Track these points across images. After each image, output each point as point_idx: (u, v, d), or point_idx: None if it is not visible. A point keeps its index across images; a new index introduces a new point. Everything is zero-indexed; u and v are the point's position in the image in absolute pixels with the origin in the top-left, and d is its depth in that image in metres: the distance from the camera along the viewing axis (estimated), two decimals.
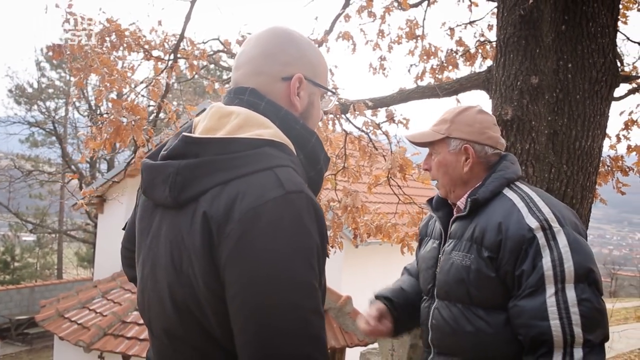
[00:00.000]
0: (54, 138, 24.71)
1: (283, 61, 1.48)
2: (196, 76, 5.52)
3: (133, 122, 3.79)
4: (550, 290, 1.81)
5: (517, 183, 2.08)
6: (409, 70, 5.47)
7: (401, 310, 2.31)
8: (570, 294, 1.79)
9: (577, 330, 1.76)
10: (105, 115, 4.12)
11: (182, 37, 4.78)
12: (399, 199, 5.18)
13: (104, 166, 23.45)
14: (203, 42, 4.92)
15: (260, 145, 1.32)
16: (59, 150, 24.68)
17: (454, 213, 2.18)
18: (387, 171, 4.48)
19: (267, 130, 1.36)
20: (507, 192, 2.03)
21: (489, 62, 6.22)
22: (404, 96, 4.26)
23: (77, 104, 24.24)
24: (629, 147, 4.99)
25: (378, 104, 4.31)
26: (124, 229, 1.84)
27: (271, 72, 1.48)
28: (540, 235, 1.85)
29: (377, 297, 2.34)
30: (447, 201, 2.25)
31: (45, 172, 24.57)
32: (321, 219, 1.31)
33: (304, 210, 1.26)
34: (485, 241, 1.93)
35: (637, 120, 5.32)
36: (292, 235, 1.23)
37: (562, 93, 3.47)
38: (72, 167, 22.85)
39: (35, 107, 24.20)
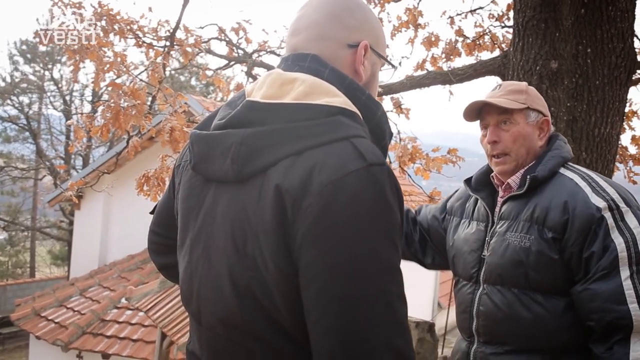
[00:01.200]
0: (27, 134, 24.16)
1: (349, 25, 1.35)
2: (189, 64, 5.31)
3: (133, 107, 3.58)
4: (625, 272, 1.70)
5: (571, 163, 1.99)
6: (406, 58, 5.30)
7: None
8: None
9: None
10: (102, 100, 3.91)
11: (179, 22, 4.58)
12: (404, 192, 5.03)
13: (79, 162, 23.00)
14: (200, 27, 4.73)
15: (335, 113, 1.19)
16: (32, 146, 24.14)
17: (501, 193, 2.05)
18: (397, 158, 4.33)
19: (337, 98, 1.22)
20: (565, 172, 1.93)
21: (486, 54, 6.14)
22: (415, 83, 4.13)
23: (52, 99, 23.78)
24: (633, 137, 4.93)
25: (387, 90, 4.16)
26: (152, 212, 1.67)
27: (337, 37, 1.34)
28: (608, 215, 1.75)
29: None
30: (488, 181, 2.13)
31: (18, 168, 24.01)
32: (401, 193, 1.19)
33: (387, 184, 1.13)
34: (549, 221, 1.82)
35: (637, 111, 5.26)
36: (376, 211, 1.10)
37: (581, 78, 3.37)
38: (47, 163, 22.36)
39: (8, 101, 23.63)
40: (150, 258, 1.72)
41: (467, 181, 2.21)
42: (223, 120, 1.26)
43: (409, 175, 4.78)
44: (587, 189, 1.82)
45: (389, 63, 1.46)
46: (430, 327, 4.06)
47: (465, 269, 2.07)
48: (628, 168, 4.95)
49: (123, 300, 9.47)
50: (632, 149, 5.05)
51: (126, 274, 11.20)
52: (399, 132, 4.54)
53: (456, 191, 2.36)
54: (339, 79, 1.29)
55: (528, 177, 1.91)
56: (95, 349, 9.04)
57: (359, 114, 1.25)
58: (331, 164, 1.11)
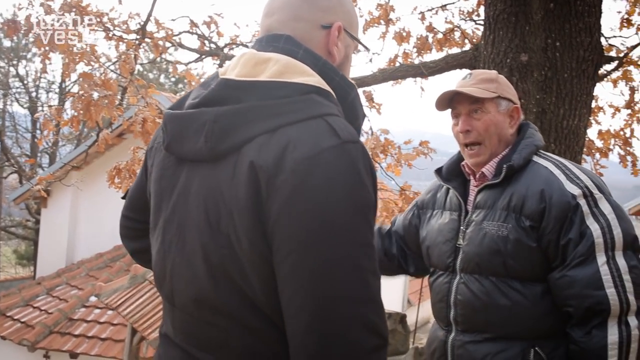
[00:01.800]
0: None
1: (323, 7, 1.36)
2: (159, 58, 5.26)
3: (105, 98, 3.52)
4: (601, 258, 1.74)
5: (542, 151, 2.03)
6: (376, 54, 5.34)
7: None
8: (621, 261, 1.75)
9: (631, 298, 1.72)
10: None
11: (150, 14, 4.53)
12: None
13: (45, 160, 22.57)
14: (172, 20, 4.68)
15: (309, 92, 1.20)
16: None
17: (474, 182, 2.07)
18: (370, 150, 4.34)
19: (311, 77, 1.23)
20: (538, 160, 1.96)
21: (456, 50, 6.20)
22: (387, 75, 4.15)
23: (17, 96, 23.29)
24: (599, 132, 5.05)
25: (359, 83, 4.17)
26: (123, 197, 1.66)
27: (311, 19, 1.35)
28: (583, 202, 1.79)
29: None
30: (459, 170, 2.14)
31: None
32: (374, 172, 1.20)
33: (361, 162, 1.14)
34: (526, 210, 1.84)
35: (603, 107, 5.38)
36: (350, 188, 1.11)
37: (550, 71, 3.44)
38: (12, 161, 21.90)
39: None
40: (123, 244, 1.70)
41: (438, 171, 2.21)
42: (197, 100, 1.26)
43: (382, 168, 4.80)
44: (562, 177, 1.85)
45: (363, 45, 1.47)
46: (402, 318, 4.10)
47: (440, 259, 2.07)
48: (595, 160, 5.06)
49: (91, 298, 9.35)
50: (599, 143, 5.17)
51: (95, 272, 11.03)
52: (370, 128, 4.57)
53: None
54: (313, 59, 1.29)
55: (504, 166, 1.92)
56: (63, 348, 8.87)
57: (333, 94, 1.26)
58: (305, 141, 1.11)
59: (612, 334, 1.70)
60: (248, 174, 1.12)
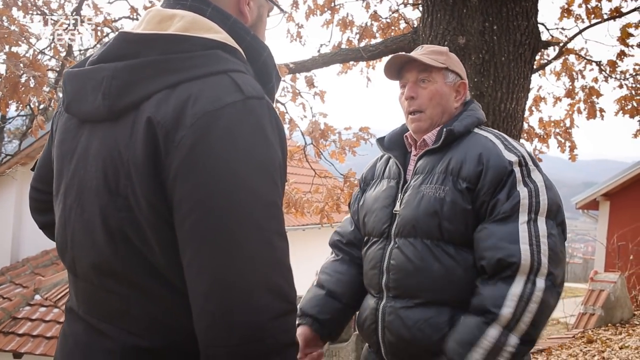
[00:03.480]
0: None
1: None
2: (98, 45, 5.11)
3: (32, 79, 3.38)
4: (523, 217, 1.78)
5: (484, 126, 2.07)
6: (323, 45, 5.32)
7: (330, 324, 2.12)
8: (542, 226, 1.78)
9: (544, 261, 1.73)
10: None
11: None
12: (315, 173, 5.02)
13: None
14: (109, 3, 4.55)
15: (212, 47, 1.15)
16: None
17: (415, 151, 2.08)
18: (302, 147, 4.31)
19: (218, 34, 1.19)
20: (479, 131, 2.00)
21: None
22: (327, 59, 4.12)
23: None
24: (540, 119, 5.12)
25: (299, 67, 4.12)
26: (32, 169, 1.58)
27: None
28: (517, 169, 1.83)
29: (300, 317, 2.12)
30: (401, 141, 2.16)
31: None
32: (282, 131, 1.16)
33: (266, 119, 1.10)
34: (463, 172, 1.87)
35: (544, 97, 5.47)
36: (253, 145, 1.07)
37: (487, 54, 3.46)
38: None
39: None
40: (32, 217, 1.63)
41: (380, 140, 2.22)
42: (96, 57, 1.20)
43: (324, 156, 4.78)
44: (500, 145, 1.90)
45: (277, 6, 1.43)
46: None
47: (376, 226, 2.05)
48: (534, 146, 5.15)
49: (37, 297, 9.10)
50: (539, 130, 5.25)
51: (40, 269, 10.74)
52: (311, 109, 4.54)
53: None
54: (222, 17, 1.25)
55: (444, 129, 1.95)
56: (6, 348, 8.63)
57: (242, 52, 1.22)
58: (206, 96, 1.07)
59: (516, 287, 1.71)
60: (146, 131, 1.07)
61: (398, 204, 2.00)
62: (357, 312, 2.16)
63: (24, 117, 17.14)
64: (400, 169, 2.07)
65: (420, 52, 2.06)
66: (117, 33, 1.21)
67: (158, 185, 1.07)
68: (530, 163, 1.86)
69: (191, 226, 1.04)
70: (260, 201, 1.06)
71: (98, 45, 5.15)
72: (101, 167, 1.15)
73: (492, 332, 1.70)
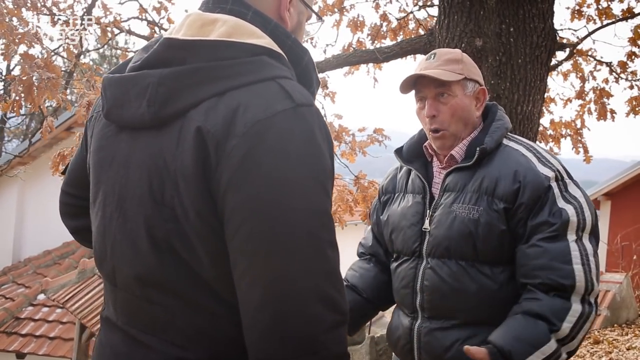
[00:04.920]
0: None
1: None
2: (106, 46, 5.10)
3: (47, 80, 3.35)
4: (572, 236, 1.76)
5: (510, 134, 2.00)
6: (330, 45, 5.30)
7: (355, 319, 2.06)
8: (587, 244, 1.78)
9: (595, 281, 1.74)
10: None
11: None
12: None
13: None
14: (120, 4, 4.52)
15: (259, 53, 1.13)
16: None
17: (438, 164, 2.02)
18: None
19: (262, 39, 1.16)
20: (508, 143, 1.94)
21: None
22: (341, 60, 4.09)
23: None
24: (552, 121, 5.12)
25: None
26: (63, 172, 1.56)
27: None
28: (554, 185, 1.80)
29: None
30: (420, 151, 2.08)
31: None
32: (330, 138, 1.14)
33: (316, 127, 1.08)
34: (499, 191, 1.82)
35: (554, 98, 5.46)
36: (305, 154, 1.05)
37: (504, 57, 3.44)
38: None
39: None
40: (62, 221, 1.60)
41: (398, 151, 2.14)
42: (139, 62, 1.17)
43: (337, 156, 4.75)
44: (534, 159, 1.85)
45: (316, 14, 1.41)
46: None
47: (406, 244, 2.00)
48: (549, 147, 5.14)
49: (39, 296, 9.08)
50: (550, 131, 5.24)
51: (42, 270, 10.74)
52: (324, 111, 4.51)
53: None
54: (263, 21, 1.22)
55: (477, 149, 1.87)
56: (9, 348, 8.63)
57: (285, 57, 1.19)
58: (257, 104, 1.05)
59: (577, 305, 1.71)
60: (195, 140, 1.05)
61: (427, 221, 1.95)
62: (387, 328, 2.13)
63: (24, 117, 17.08)
64: (425, 183, 2.00)
65: (435, 64, 1.94)
66: (161, 38, 1.17)
67: (208, 195, 1.05)
68: (565, 177, 1.83)
69: (244, 237, 1.02)
70: (312, 210, 1.04)
71: (109, 51, 5.13)
72: (145, 176, 1.12)
73: (553, 343, 1.70)
